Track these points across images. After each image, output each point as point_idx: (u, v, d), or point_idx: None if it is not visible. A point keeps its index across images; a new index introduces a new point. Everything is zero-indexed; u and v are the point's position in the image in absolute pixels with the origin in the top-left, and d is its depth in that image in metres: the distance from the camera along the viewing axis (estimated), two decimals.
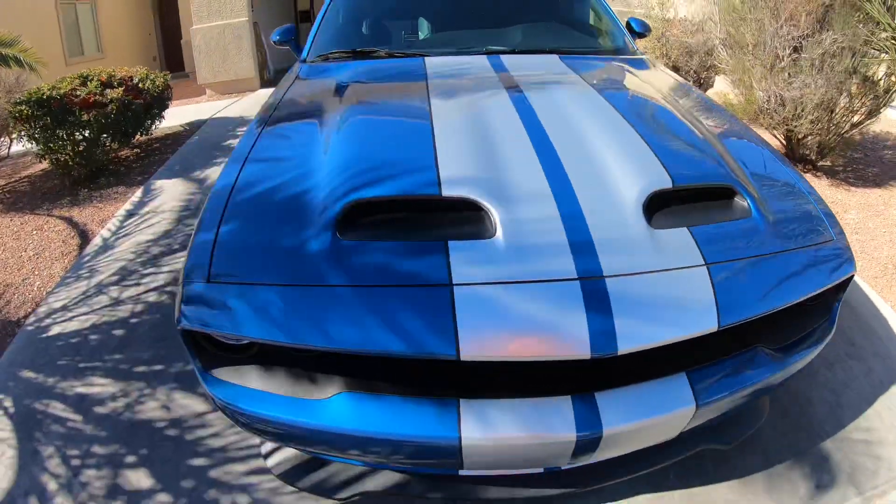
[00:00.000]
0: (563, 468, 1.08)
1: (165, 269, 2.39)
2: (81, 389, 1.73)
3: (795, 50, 2.93)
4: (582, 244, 0.97)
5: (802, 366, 1.14)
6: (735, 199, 1.18)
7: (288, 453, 1.19)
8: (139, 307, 2.14)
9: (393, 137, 1.34)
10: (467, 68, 1.84)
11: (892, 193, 3.04)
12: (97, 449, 1.48)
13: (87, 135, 3.20)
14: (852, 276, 1.16)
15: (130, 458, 1.44)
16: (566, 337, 0.88)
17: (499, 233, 0.99)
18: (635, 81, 1.80)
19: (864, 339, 1.84)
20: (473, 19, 2.26)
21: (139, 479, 1.37)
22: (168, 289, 2.25)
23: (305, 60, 2.16)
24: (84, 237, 2.85)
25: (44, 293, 2.37)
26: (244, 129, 4.41)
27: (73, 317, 2.12)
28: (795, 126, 2.99)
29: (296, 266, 0.97)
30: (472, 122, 1.33)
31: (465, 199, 1.05)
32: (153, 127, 3.93)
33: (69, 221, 3.02)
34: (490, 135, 1.27)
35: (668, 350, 0.93)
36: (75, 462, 1.44)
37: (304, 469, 1.17)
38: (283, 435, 1.00)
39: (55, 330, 2.05)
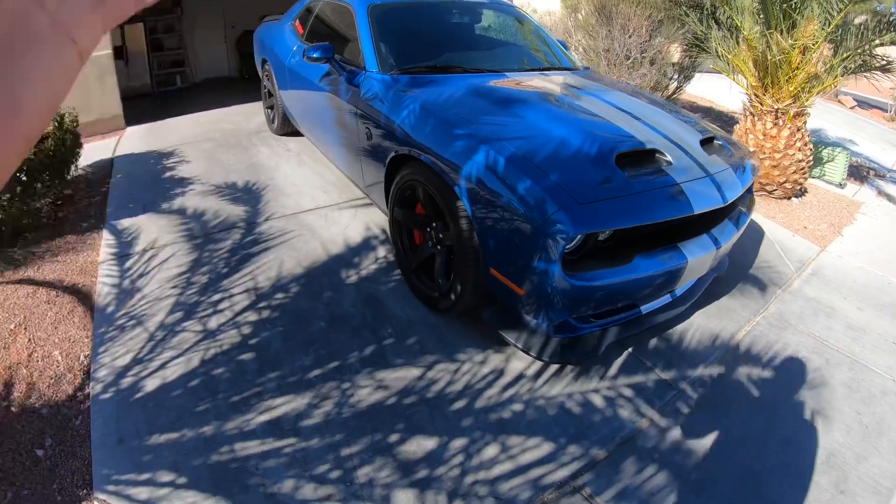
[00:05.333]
0: (678, 294, 1.91)
1: (237, 290, 2.34)
2: (266, 416, 1.67)
3: (629, 52, 4.46)
4: (700, 163, 1.83)
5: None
6: (715, 140, 2.13)
7: (553, 344, 1.66)
8: (247, 329, 2.09)
9: (582, 118, 2.06)
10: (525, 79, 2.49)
11: None
12: None
13: (22, 178, 2.70)
14: (759, 168, 2.27)
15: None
16: (716, 198, 1.79)
17: (674, 163, 1.78)
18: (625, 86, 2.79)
19: None
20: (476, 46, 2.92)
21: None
22: (262, 304, 2.24)
23: (379, 72, 2.44)
24: (76, 292, 2.46)
25: (80, 358, 1.97)
26: (170, 161, 4.13)
27: (165, 363, 1.91)
28: None
29: (615, 188, 1.64)
30: (608, 110, 2.13)
31: (656, 149, 1.88)
32: (75, 168, 3.40)
33: (33, 282, 2.54)
34: (622, 115, 2.07)
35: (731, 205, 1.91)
36: None
37: (562, 350, 1.66)
38: (610, 294, 1.59)
39: (151, 384, 1.81)
